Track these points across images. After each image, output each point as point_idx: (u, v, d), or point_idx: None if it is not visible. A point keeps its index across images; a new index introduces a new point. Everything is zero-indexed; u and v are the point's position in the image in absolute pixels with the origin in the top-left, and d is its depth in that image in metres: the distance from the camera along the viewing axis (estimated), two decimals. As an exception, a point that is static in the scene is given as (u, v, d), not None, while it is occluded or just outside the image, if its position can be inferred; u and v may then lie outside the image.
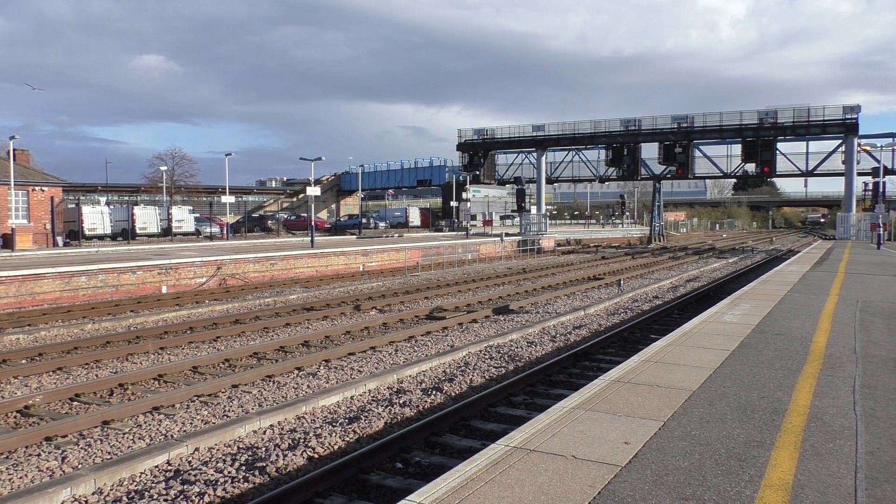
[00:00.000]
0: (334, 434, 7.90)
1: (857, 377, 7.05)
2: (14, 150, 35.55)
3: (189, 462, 7.23)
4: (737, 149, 47.64)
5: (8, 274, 19.39)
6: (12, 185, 34.05)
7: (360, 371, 11.33)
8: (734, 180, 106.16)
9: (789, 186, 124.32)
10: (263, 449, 7.52)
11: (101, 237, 42.75)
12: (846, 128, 43.58)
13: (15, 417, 9.06)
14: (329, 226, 65.65)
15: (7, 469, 7.06)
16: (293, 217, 66.45)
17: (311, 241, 34.19)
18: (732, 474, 4.52)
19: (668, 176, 52.14)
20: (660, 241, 60.13)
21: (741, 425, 5.51)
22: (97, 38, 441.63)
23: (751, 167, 47.55)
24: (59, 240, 37.52)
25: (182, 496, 6.32)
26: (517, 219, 58.41)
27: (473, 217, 63.83)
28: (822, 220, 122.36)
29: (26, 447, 7.72)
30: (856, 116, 43.47)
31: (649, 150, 50.66)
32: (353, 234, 55.49)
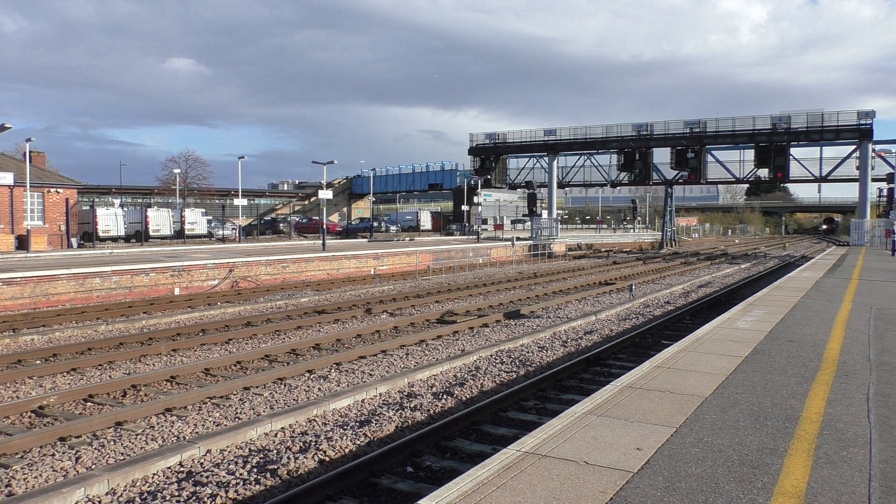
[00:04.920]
0: (345, 437, 7.92)
1: (870, 385, 6.99)
2: (30, 151, 35.91)
3: (201, 463, 7.28)
4: (750, 154, 47.36)
5: (23, 275, 19.58)
6: (28, 187, 34.39)
7: (371, 374, 11.35)
8: (747, 185, 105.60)
9: (803, 192, 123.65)
10: (275, 451, 7.56)
11: (114, 239, 43.07)
12: (860, 133, 43.25)
13: (30, 417, 9.16)
14: (340, 229, 65.83)
15: (22, 469, 7.13)
16: (305, 220, 66.62)
17: (323, 244, 34.30)
18: (745, 481, 4.50)
19: (680, 181, 51.93)
20: (671, 246, 59.90)
21: (754, 432, 5.48)
22: (119, 41, 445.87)
23: (764, 172, 47.28)
24: (74, 241, 37.84)
25: (194, 497, 6.36)
26: (528, 223, 58.31)
27: (485, 221, 63.78)
28: (825, 226, 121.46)
29: (41, 447, 7.80)
30: (870, 122, 43.13)
31: (661, 155, 50.49)
32: (364, 237, 55.61)
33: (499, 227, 64.97)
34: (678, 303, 20.66)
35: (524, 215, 67.00)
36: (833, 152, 46.75)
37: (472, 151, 57.10)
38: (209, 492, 6.42)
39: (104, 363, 12.25)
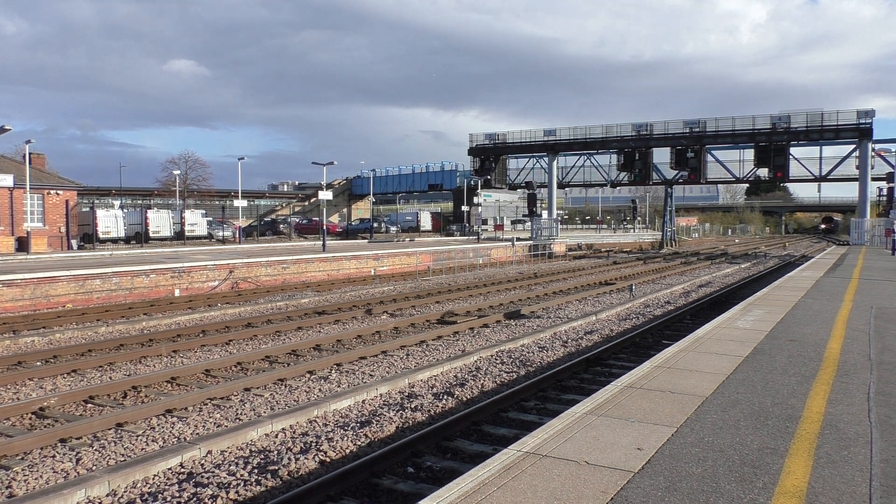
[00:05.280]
0: (346, 438, 7.92)
1: (871, 384, 6.99)
2: (30, 153, 35.91)
3: (202, 465, 7.28)
4: (749, 153, 47.35)
5: (23, 277, 19.58)
6: (28, 189, 34.38)
7: (371, 375, 11.35)
8: (747, 185, 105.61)
9: (802, 191, 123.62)
10: (276, 452, 7.56)
11: (114, 240, 43.06)
12: (860, 132, 43.24)
13: (30, 419, 9.15)
14: (340, 230, 65.80)
15: (23, 470, 7.13)
16: (305, 221, 66.63)
17: (323, 245, 34.30)
18: (746, 481, 4.50)
19: (680, 181, 51.90)
20: (672, 245, 59.89)
21: (755, 432, 5.48)
22: (119, 42, 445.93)
23: (763, 172, 47.25)
24: (74, 243, 37.83)
25: (195, 498, 6.35)
26: (528, 223, 58.34)
27: (485, 221, 63.84)
28: (823, 225, 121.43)
29: (41, 448, 7.79)
30: (870, 121, 43.11)
31: (661, 155, 50.46)
32: (364, 237, 55.61)
33: (499, 227, 65.01)
34: (678, 303, 20.65)
35: (524, 216, 67.05)
36: (833, 152, 46.76)
37: (472, 152, 57.10)
38: (210, 493, 6.42)
39: (105, 364, 12.24)
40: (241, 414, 9.16)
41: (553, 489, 4.37)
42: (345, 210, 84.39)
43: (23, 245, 33.44)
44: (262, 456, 7.45)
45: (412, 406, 9.27)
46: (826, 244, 66.72)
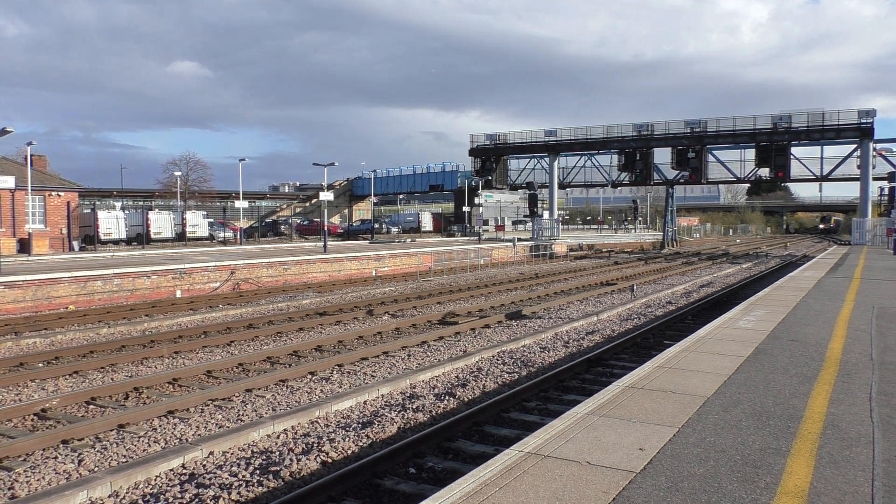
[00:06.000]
0: (347, 439, 7.93)
1: (873, 384, 6.99)
2: (31, 155, 35.95)
3: (204, 466, 7.28)
4: (750, 153, 47.33)
5: (25, 278, 19.60)
6: (29, 191, 34.41)
7: (373, 376, 11.35)
8: (748, 185, 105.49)
9: (804, 191, 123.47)
10: (277, 453, 7.56)
11: (116, 242, 43.03)
12: (861, 132, 43.21)
13: (32, 420, 9.16)
14: (342, 231, 65.76)
15: (25, 472, 7.14)
16: (306, 222, 66.59)
17: (324, 246, 34.31)
18: (748, 481, 4.50)
19: (681, 181, 51.89)
20: (673, 246, 59.86)
21: (756, 432, 5.48)
22: (120, 44, 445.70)
23: (764, 172, 47.22)
24: (75, 244, 37.87)
25: (197, 499, 6.36)
26: (529, 224, 58.32)
27: (486, 222, 63.80)
28: (822, 225, 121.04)
29: (43, 450, 7.80)
30: (871, 121, 43.07)
31: (662, 155, 50.44)
32: (365, 238, 55.63)
33: (500, 227, 64.93)
34: (680, 303, 20.65)
35: (525, 216, 66.94)
36: (834, 151, 46.74)
37: (473, 152, 57.13)
38: (212, 494, 6.43)
39: (106, 366, 12.26)
40: (242, 415, 9.17)
41: (555, 489, 4.37)
42: (346, 211, 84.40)
43: (24, 247, 33.46)
44: (264, 457, 7.46)
45: (414, 407, 9.27)
46: (827, 244, 66.69)
